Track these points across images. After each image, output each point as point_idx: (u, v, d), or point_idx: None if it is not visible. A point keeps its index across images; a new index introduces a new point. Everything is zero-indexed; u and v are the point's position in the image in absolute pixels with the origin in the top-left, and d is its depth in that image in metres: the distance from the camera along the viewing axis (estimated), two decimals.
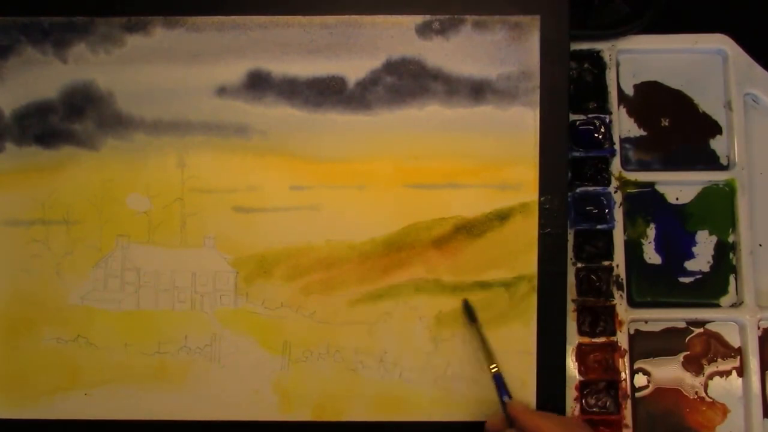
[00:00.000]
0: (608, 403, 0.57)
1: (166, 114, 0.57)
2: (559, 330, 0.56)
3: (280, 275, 0.56)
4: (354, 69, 0.57)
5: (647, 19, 0.60)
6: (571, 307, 0.57)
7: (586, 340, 0.57)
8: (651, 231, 0.59)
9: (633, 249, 0.59)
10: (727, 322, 0.58)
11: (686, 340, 0.58)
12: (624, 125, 0.61)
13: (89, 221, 0.57)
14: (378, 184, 0.56)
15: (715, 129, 0.61)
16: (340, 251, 0.56)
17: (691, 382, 0.58)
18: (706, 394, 0.58)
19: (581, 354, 0.57)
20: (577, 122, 0.60)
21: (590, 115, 0.60)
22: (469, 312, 0.55)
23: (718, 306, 0.59)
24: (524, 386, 0.55)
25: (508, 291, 0.56)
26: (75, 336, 0.56)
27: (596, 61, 0.61)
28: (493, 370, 0.53)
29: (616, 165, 0.59)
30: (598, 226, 0.59)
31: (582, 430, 0.48)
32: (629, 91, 0.61)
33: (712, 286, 0.59)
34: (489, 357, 0.54)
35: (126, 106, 0.57)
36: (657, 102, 0.61)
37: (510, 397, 0.52)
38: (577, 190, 0.59)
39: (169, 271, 0.57)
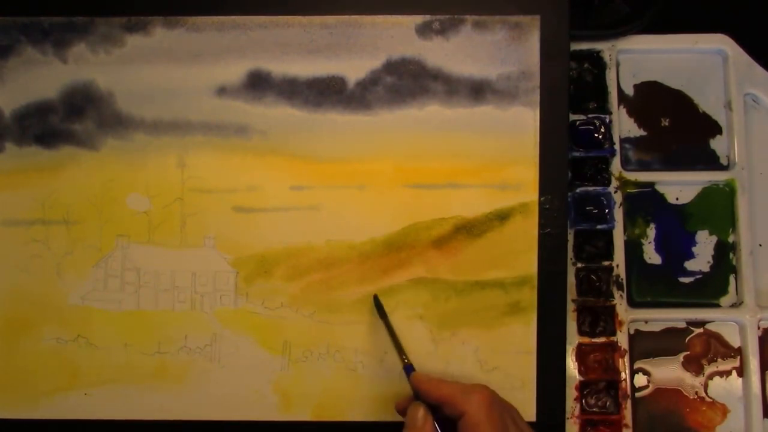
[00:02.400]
0: (608, 403, 0.57)
1: (166, 114, 0.57)
2: (559, 330, 0.56)
3: (280, 275, 0.56)
4: (354, 69, 0.57)
5: (647, 19, 0.60)
6: (571, 307, 0.58)
7: (586, 340, 0.58)
8: (651, 231, 0.59)
9: (633, 249, 0.59)
10: (727, 322, 0.58)
11: (686, 340, 0.58)
12: (624, 125, 0.61)
13: (89, 221, 0.57)
14: (378, 184, 0.56)
15: (715, 129, 0.61)
16: (340, 251, 0.56)
17: (691, 382, 0.58)
18: (706, 394, 0.58)
19: (581, 354, 0.57)
20: (577, 122, 0.60)
21: (590, 115, 0.60)
22: (378, 307, 0.55)
23: (718, 306, 0.59)
24: (524, 386, 0.55)
25: (508, 291, 0.56)
26: (75, 336, 0.56)
27: (596, 61, 0.61)
28: (405, 362, 0.52)
29: (616, 165, 0.59)
30: (598, 226, 0.59)
31: (484, 389, 0.46)
32: (629, 91, 0.61)
33: (712, 286, 0.59)
34: (401, 350, 0.52)
35: (126, 106, 0.57)
36: (657, 102, 0.61)
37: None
38: (577, 190, 0.59)
39: (169, 271, 0.57)
